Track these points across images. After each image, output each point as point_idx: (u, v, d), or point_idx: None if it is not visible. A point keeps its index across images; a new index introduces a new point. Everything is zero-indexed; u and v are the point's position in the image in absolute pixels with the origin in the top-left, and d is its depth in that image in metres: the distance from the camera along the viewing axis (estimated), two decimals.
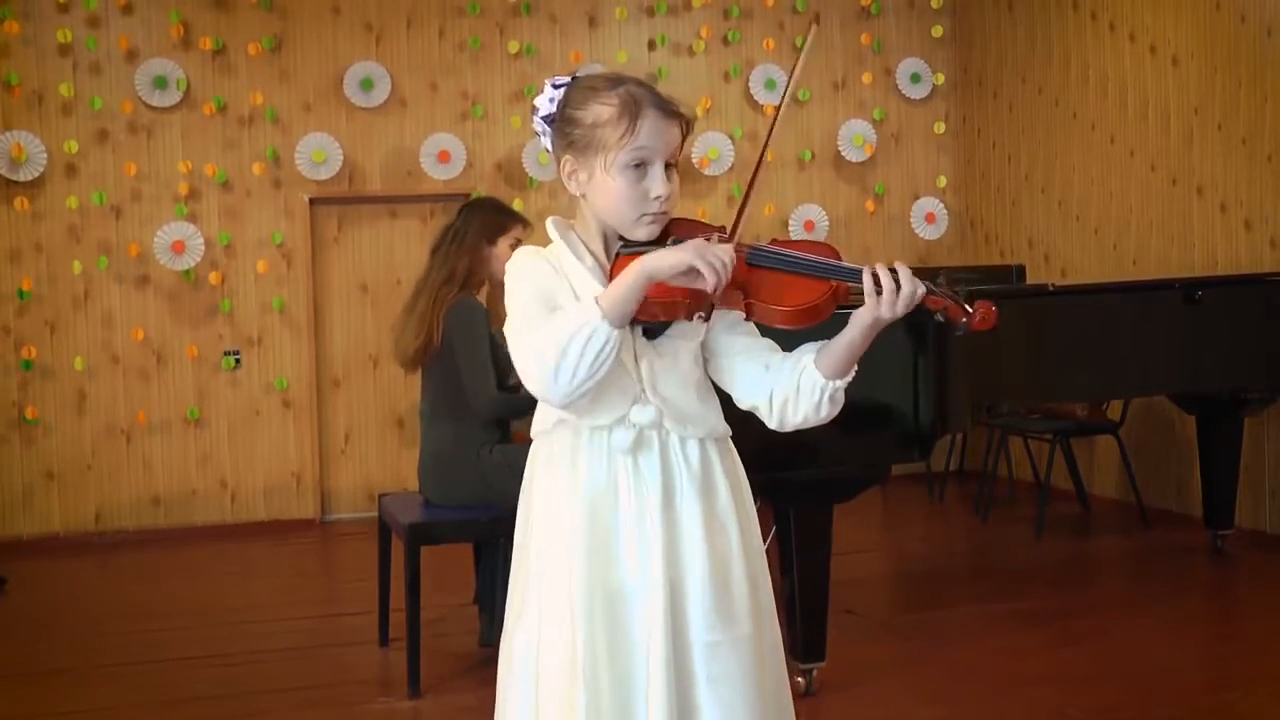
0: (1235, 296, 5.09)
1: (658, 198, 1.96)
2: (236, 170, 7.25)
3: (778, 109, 2.08)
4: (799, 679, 4.00)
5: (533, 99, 8.02)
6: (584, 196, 2.01)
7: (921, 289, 1.85)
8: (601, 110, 1.95)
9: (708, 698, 1.96)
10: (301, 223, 7.36)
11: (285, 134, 7.31)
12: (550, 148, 2.06)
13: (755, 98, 7.95)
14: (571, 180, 2.01)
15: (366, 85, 7.36)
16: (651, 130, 1.94)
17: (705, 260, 1.82)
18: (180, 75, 7.13)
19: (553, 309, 1.94)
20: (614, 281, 1.88)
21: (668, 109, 1.97)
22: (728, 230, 1.99)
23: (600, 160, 1.95)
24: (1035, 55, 7.64)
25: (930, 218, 8.23)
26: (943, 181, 8.32)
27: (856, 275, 1.88)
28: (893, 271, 1.85)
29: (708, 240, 1.89)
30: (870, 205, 8.19)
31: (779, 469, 3.72)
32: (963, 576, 5.90)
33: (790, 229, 7.93)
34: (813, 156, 8.07)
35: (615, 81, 1.98)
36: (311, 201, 7.39)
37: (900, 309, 1.85)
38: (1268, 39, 5.94)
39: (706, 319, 1.95)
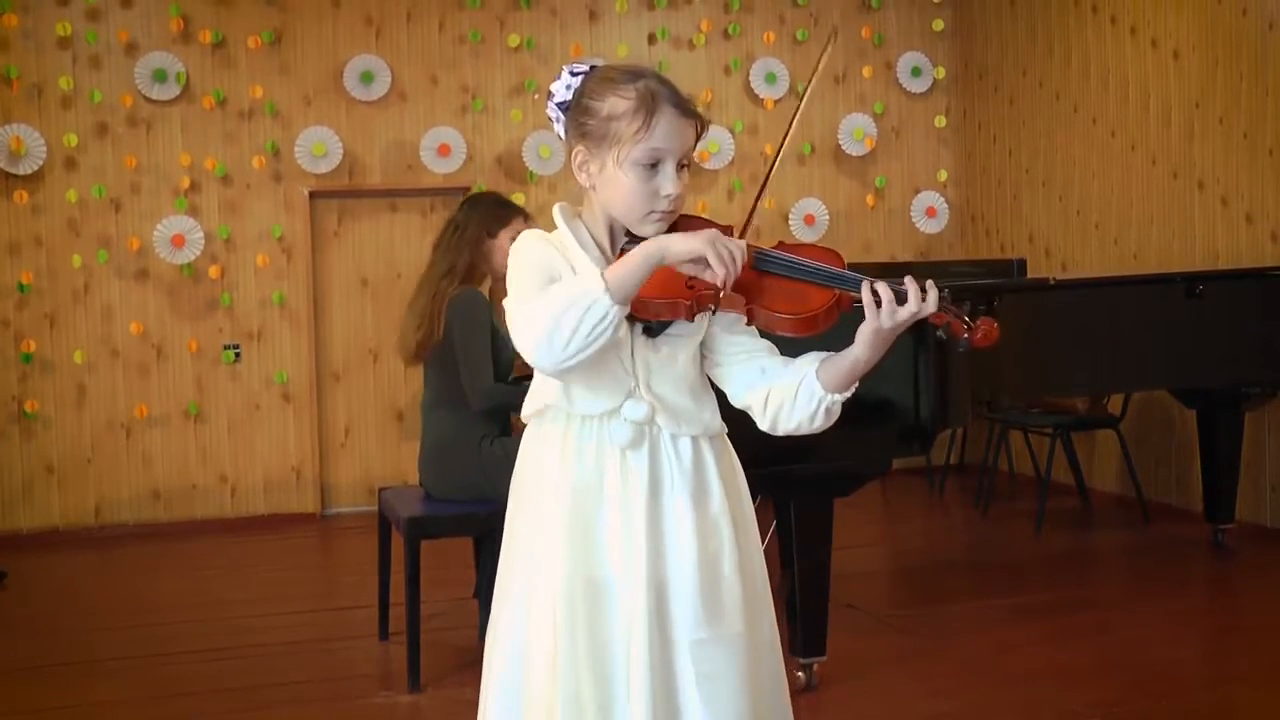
0: (1236, 290, 5.09)
1: (667, 196, 1.95)
2: (236, 164, 7.24)
3: (797, 107, 2.08)
4: (799, 674, 4.00)
5: (535, 92, 8.02)
6: (593, 188, 2.00)
7: (930, 302, 1.85)
8: (618, 103, 1.93)
9: (695, 696, 1.95)
10: (301, 216, 7.35)
11: (285, 127, 7.29)
12: (562, 135, 2.04)
13: (756, 91, 7.94)
14: (582, 171, 2.00)
15: (366, 78, 7.34)
16: (667, 128, 1.92)
17: (716, 252, 1.80)
18: (180, 68, 7.11)
19: (554, 283, 1.92)
20: (622, 259, 1.86)
21: (685, 108, 1.95)
22: (734, 231, 1.98)
23: (613, 154, 1.93)
24: (1036, 49, 7.62)
25: (931, 212, 8.22)
26: (943, 175, 8.30)
27: (860, 285, 1.87)
28: (898, 286, 1.85)
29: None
30: (870, 199, 8.18)
31: (779, 463, 3.72)
32: (963, 570, 5.90)
33: (790, 223, 7.92)
34: (813, 150, 8.06)
35: (634, 75, 1.96)
36: (311, 195, 7.38)
37: (902, 317, 1.84)
38: (1269, 32, 5.92)
39: (715, 310, 1.93)
